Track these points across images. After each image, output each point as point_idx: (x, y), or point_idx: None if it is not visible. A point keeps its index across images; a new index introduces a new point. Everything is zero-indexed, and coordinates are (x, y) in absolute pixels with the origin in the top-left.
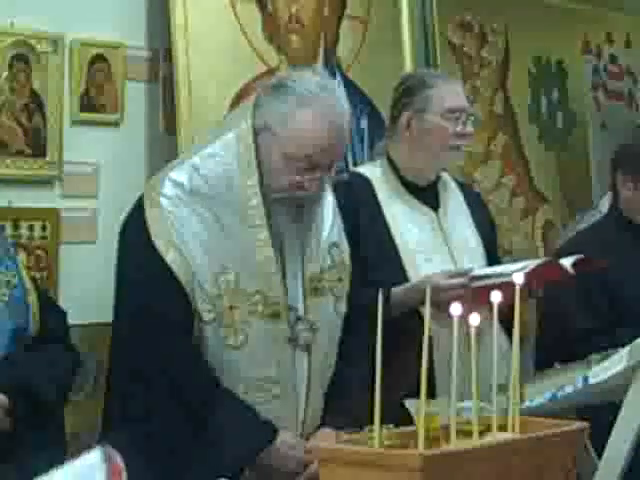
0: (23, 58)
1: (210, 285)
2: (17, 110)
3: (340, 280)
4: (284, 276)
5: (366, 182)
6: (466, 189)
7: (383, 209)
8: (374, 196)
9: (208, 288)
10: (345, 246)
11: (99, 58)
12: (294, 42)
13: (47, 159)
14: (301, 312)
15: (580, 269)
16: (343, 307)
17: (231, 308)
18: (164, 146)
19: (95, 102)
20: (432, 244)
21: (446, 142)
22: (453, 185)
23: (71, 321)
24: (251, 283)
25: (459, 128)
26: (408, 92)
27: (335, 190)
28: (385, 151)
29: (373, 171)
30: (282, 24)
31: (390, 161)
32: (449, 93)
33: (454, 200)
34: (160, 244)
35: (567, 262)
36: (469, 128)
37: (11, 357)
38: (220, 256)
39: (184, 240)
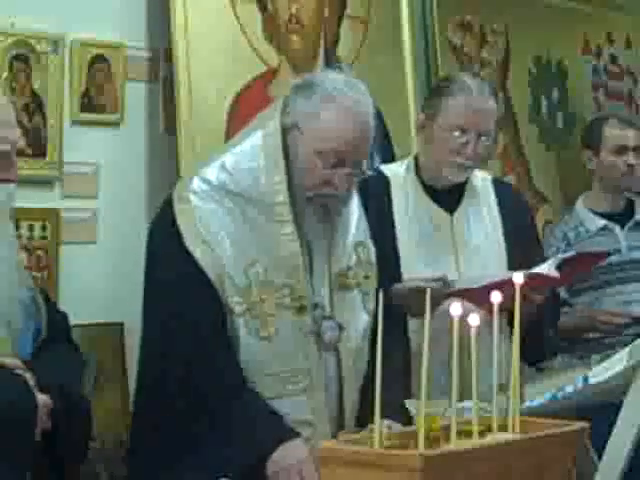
0: (23, 58)
1: (240, 277)
2: (17, 110)
3: (367, 277)
4: (311, 274)
5: (384, 181)
6: (504, 191)
7: (394, 210)
8: (388, 196)
9: (238, 280)
10: (370, 244)
11: (99, 58)
12: (294, 42)
13: (47, 159)
14: (327, 310)
15: (571, 268)
16: (372, 304)
17: (261, 300)
18: (164, 146)
19: (95, 102)
20: (437, 250)
21: (444, 157)
22: (488, 187)
23: (71, 321)
24: (279, 276)
25: (456, 147)
26: (431, 93)
27: None
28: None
29: (396, 170)
30: (282, 24)
31: (417, 160)
32: (460, 109)
33: (481, 204)
34: (189, 239)
35: (549, 267)
36: (469, 149)
37: (38, 358)
38: (248, 249)
39: (212, 233)
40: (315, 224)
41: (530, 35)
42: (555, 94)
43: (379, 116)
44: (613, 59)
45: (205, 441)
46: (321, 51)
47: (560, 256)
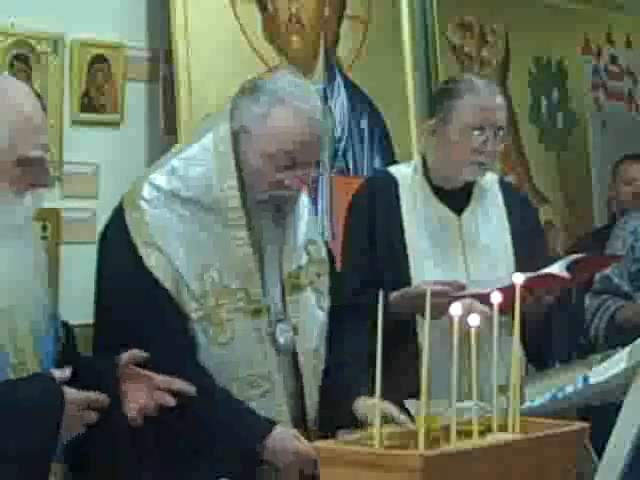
0: (23, 58)
1: (195, 283)
2: None
3: (319, 275)
4: (263, 277)
5: (391, 181)
6: (510, 191)
7: (402, 210)
8: (396, 197)
9: (194, 286)
10: (321, 243)
11: (99, 58)
12: (294, 42)
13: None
14: (281, 313)
15: (581, 269)
16: (326, 302)
17: (217, 306)
18: (164, 146)
19: (95, 102)
20: (446, 250)
21: (465, 158)
22: (495, 187)
23: (71, 321)
24: (234, 280)
25: (477, 146)
26: (439, 98)
27: (357, 189)
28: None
29: (403, 171)
30: (282, 24)
31: (424, 161)
32: (474, 108)
33: (488, 204)
34: (142, 247)
35: (560, 267)
36: (488, 146)
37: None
38: (202, 255)
39: (166, 240)
40: (268, 227)
41: (530, 35)
42: (555, 94)
43: (379, 116)
44: (613, 59)
45: (192, 441)
46: (321, 51)
47: (570, 257)
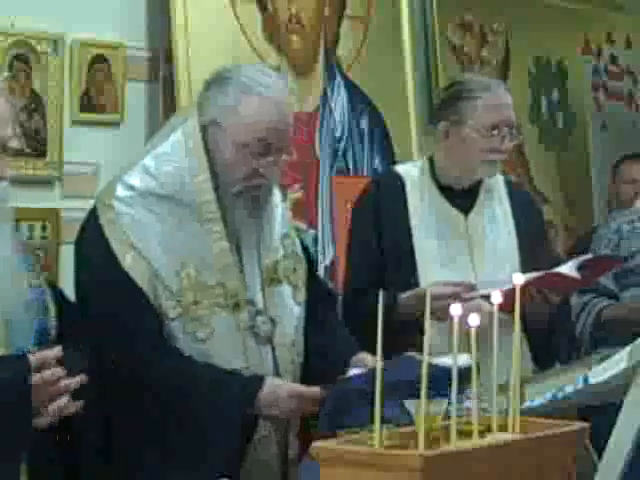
0: (23, 58)
1: (172, 281)
2: (17, 110)
3: (295, 270)
4: (242, 270)
5: (399, 181)
6: (515, 190)
7: (409, 210)
8: (403, 196)
9: (171, 284)
10: (295, 237)
11: (99, 58)
12: (294, 42)
13: (47, 159)
14: (260, 305)
15: (591, 270)
16: (302, 296)
17: (195, 302)
18: None
19: (95, 102)
20: (453, 250)
21: (481, 157)
22: (501, 187)
23: None
24: (211, 276)
25: (495, 144)
26: (450, 100)
27: (363, 189)
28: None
29: (410, 170)
30: (282, 24)
31: (431, 161)
32: (489, 108)
33: (495, 204)
34: (117, 248)
35: (570, 268)
36: (506, 144)
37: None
38: (179, 252)
39: (142, 239)
40: (245, 219)
41: (530, 35)
42: (555, 94)
43: (379, 116)
44: (613, 59)
45: (190, 423)
46: (321, 51)
47: (580, 258)
